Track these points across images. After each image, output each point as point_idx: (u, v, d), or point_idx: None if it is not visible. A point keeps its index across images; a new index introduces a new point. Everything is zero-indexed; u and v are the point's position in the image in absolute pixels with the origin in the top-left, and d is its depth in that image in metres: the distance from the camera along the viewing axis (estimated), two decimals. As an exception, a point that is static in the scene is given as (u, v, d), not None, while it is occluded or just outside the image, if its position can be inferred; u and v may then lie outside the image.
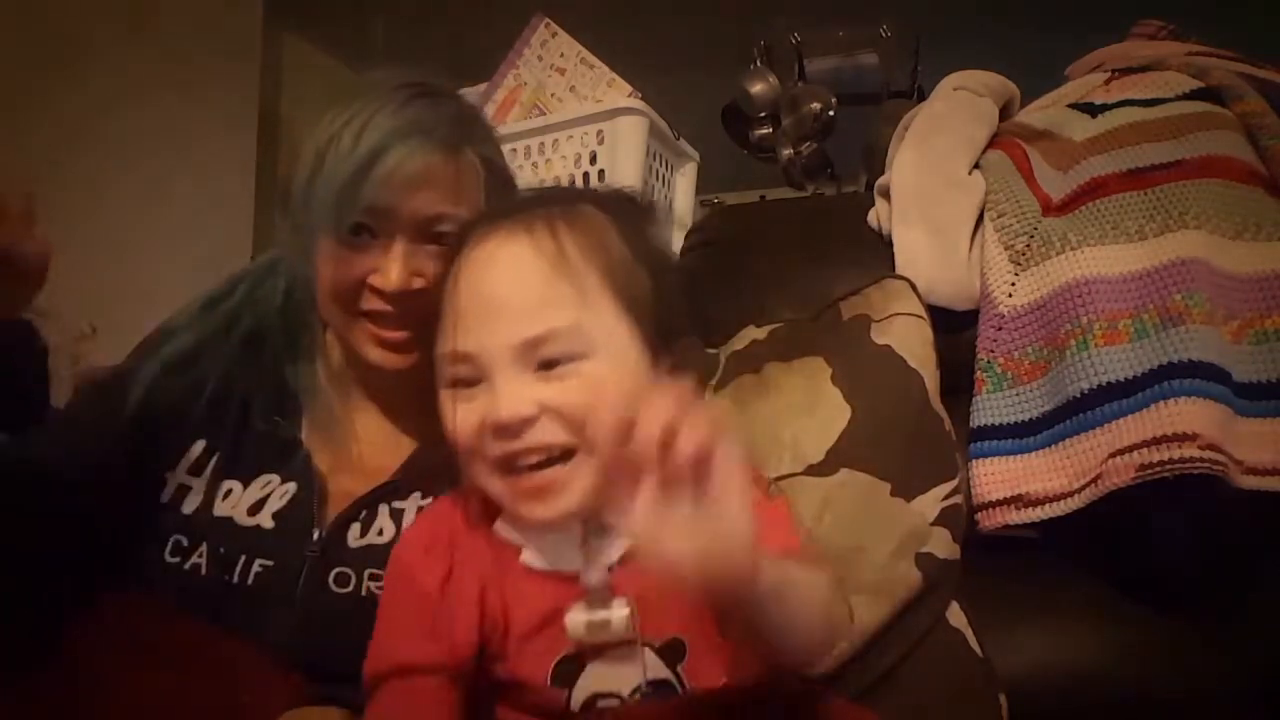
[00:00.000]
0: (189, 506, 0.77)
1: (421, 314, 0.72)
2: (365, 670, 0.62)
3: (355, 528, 0.78)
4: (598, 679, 0.60)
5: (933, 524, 0.88)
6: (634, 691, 0.60)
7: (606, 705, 0.60)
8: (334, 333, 0.85)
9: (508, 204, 0.73)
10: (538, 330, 0.58)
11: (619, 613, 0.58)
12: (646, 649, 0.61)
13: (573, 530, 0.61)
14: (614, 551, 0.61)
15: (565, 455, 0.59)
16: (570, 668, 0.60)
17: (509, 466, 0.59)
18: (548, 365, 0.59)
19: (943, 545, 0.88)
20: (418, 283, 0.76)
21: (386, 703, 0.60)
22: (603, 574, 0.60)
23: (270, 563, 0.75)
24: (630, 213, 0.68)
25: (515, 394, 0.58)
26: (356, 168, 0.73)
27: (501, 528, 0.64)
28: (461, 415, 0.60)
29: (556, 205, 0.64)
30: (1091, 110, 1.10)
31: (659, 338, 0.62)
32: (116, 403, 0.78)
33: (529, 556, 0.62)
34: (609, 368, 0.59)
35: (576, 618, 0.58)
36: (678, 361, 0.63)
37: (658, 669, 0.61)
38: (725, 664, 0.63)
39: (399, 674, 0.60)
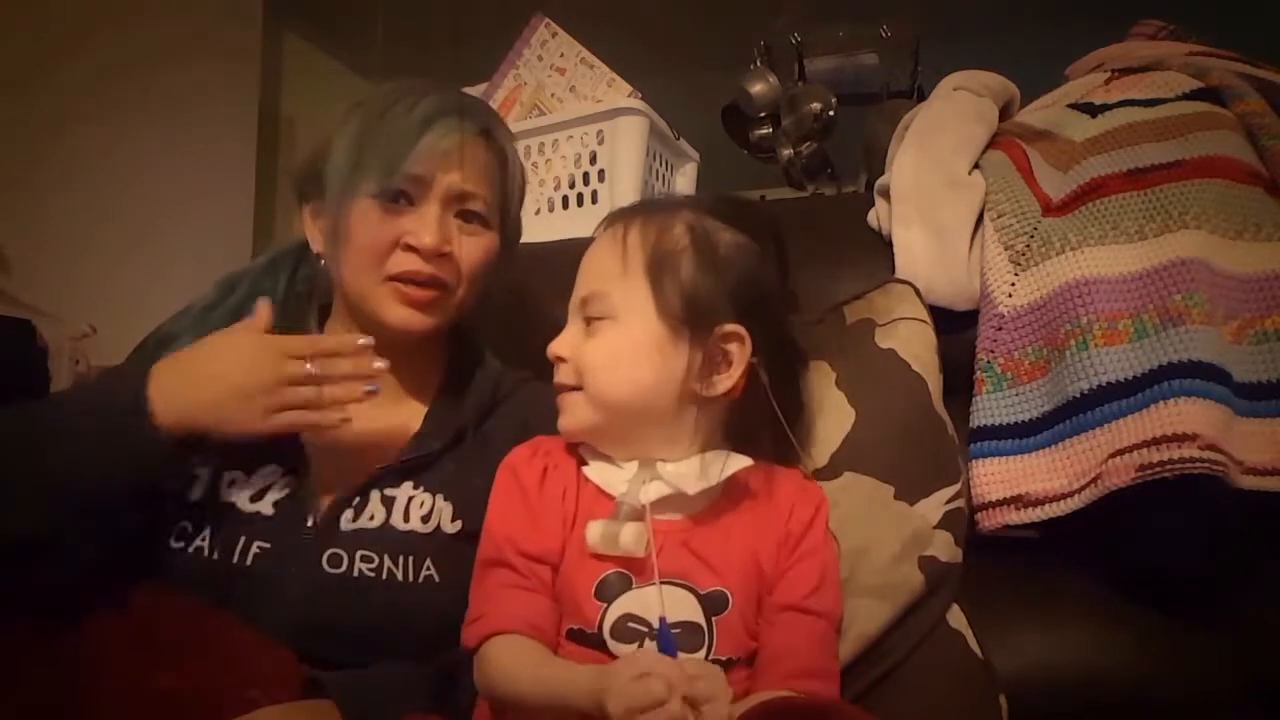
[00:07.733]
0: (196, 494, 0.81)
1: (448, 277, 0.84)
2: (479, 556, 0.73)
3: (349, 513, 0.81)
4: (634, 602, 0.69)
5: (935, 527, 0.88)
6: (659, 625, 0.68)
7: (634, 629, 0.68)
8: (353, 302, 0.87)
9: (639, 203, 0.88)
10: (586, 291, 0.76)
11: (629, 531, 0.68)
12: (689, 592, 0.69)
13: (629, 464, 0.74)
14: (653, 492, 0.71)
15: (577, 390, 0.74)
16: (613, 587, 0.69)
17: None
18: (589, 321, 0.75)
19: (945, 548, 0.88)
20: (447, 247, 0.83)
21: (500, 577, 0.70)
22: (634, 500, 0.70)
23: (268, 545, 0.78)
24: (733, 217, 0.77)
25: (564, 337, 0.76)
26: (408, 133, 0.81)
27: (582, 445, 0.77)
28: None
29: (659, 209, 0.78)
30: (1091, 110, 1.10)
31: (687, 319, 0.73)
32: None
33: (589, 470, 0.75)
34: (624, 330, 0.73)
35: (594, 526, 0.70)
36: (709, 351, 0.73)
37: (692, 612, 0.69)
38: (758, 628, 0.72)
39: (516, 555, 0.70)
